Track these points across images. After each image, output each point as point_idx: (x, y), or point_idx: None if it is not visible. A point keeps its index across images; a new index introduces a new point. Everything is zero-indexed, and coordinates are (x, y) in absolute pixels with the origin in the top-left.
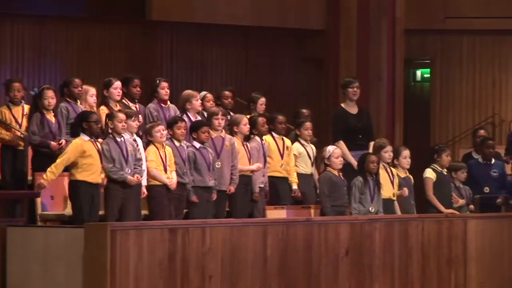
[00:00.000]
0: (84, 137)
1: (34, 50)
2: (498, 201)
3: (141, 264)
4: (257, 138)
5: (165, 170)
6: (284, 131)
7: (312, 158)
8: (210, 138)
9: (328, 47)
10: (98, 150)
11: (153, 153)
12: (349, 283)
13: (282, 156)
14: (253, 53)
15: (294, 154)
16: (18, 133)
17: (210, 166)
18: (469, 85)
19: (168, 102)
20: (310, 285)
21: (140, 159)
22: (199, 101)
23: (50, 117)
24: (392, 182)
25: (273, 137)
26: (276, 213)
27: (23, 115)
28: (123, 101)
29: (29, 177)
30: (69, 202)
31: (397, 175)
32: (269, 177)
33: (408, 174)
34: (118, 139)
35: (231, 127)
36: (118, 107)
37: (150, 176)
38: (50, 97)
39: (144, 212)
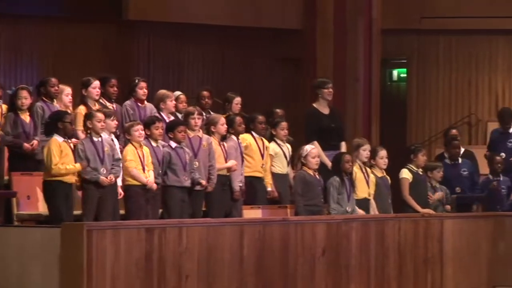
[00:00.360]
0: (58, 138)
1: (10, 50)
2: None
3: (118, 263)
4: (233, 137)
5: (144, 170)
6: (264, 131)
7: (288, 158)
8: (187, 138)
9: (305, 47)
10: (72, 150)
11: (131, 153)
12: (326, 282)
13: (262, 156)
14: (230, 52)
15: (270, 154)
16: None
17: (185, 166)
18: (445, 85)
19: (145, 102)
20: (286, 285)
21: (120, 159)
22: (173, 101)
23: (25, 117)
24: (367, 182)
25: (253, 137)
26: (252, 213)
27: (1, 114)
28: (100, 100)
29: (5, 177)
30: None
31: (374, 174)
32: (250, 177)
33: (385, 174)
34: (95, 139)
35: (208, 126)
36: (97, 107)
37: (129, 176)
38: (23, 97)
39: (121, 211)
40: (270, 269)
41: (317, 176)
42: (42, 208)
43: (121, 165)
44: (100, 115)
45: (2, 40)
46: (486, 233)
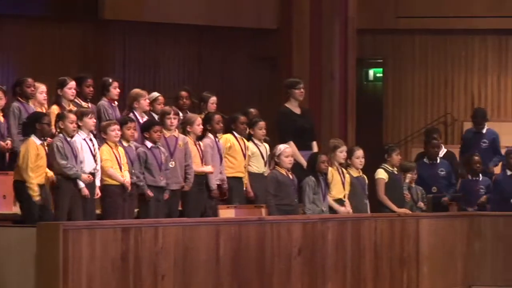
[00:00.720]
0: (36, 140)
1: None
2: (444, 199)
3: (94, 263)
4: (210, 135)
5: (120, 169)
6: (245, 132)
7: (265, 158)
8: (163, 137)
9: (281, 46)
10: (46, 153)
11: (108, 152)
12: (302, 282)
13: (245, 156)
14: (206, 52)
15: (248, 154)
16: None
17: (161, 166)
18: (421, 85)
19: (116, 102)
20: (262, 285)
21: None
22: (147, 100)
23: None
24: (343, 183)
25: (235, 137)
26: (227, 213)
27: None
28: (76, 100)
29: None
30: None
31: (349, 174)
32: (232, 177)
33: (361, 173)
34: (69, 139)
35: (184, 126)
36: (71, 107)
37: (106, 175)
38: None
39: (97, 211)
40: (246, 269)
41: (290, 175)
42: (18, 207)
43: (98, 165)
44: (72, 116)
45: None
46: (462, 232)
